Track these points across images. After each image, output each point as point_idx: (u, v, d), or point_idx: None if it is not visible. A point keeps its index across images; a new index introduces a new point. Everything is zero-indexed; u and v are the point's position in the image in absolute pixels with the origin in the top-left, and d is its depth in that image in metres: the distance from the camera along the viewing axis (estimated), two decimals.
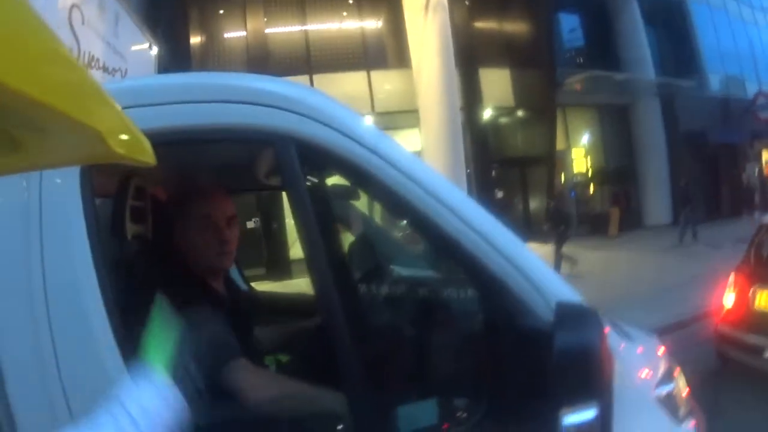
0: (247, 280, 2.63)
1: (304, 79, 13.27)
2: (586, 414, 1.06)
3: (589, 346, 1.09)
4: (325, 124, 1.34)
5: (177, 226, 1.67)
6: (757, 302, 4.90)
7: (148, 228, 1.70)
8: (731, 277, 5.25)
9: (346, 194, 2.02)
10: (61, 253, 1.21)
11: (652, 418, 1.49)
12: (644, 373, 1.59)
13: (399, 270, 2.17)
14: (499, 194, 14.31)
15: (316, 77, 13.26)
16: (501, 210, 14.15)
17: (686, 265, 10.13)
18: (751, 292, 4.97)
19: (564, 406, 1.06)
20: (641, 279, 9.56)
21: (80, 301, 1.20)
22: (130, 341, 1.17)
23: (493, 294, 1.37)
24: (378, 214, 2.31)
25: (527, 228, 14.14)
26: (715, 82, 19.57)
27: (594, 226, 15.34)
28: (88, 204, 1.24)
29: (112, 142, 0.57)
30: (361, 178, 1.38)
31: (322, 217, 1.46)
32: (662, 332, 6.60)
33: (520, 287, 1.32)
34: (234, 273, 2.49)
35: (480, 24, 14.58)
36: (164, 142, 1.27)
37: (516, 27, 14.47)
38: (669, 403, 1.54)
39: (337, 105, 1.44)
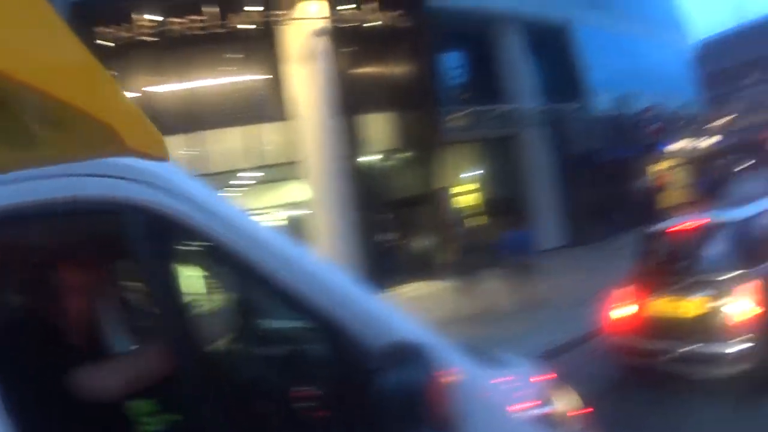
0: None
1: (184, 137, 13.26)
2: None
3: (410, 384, 1.09)
4: (160, 188, 1.43)
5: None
6: (651, 310, 5.10)
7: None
8: (622, 290, 5.41)
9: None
10: None
11: None
12: (516, 399, 1.61)
13: (270, 323, 2.20)
14: (389, 236, 14.65)
15: (199, 134, 13.24)
16: (391, 251, 14.55)
17: (583, 283, 10.20)
18: (644, 301, 5.16)
19: None
20: (537, 302, 9.76)
21: None
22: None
23: (332, 339, 1.42)
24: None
25: (422, 266, 14.53)
26: (603, 102, 20.53)
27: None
28: None
29: (126, 137, 0.58)
30: (192, 235, 1.48)
31: (172, 279, 1.52)
32: (562, 350, 6.90)
33: (360, 331, 1.38)
34: None
35: (361, 70, 14.91)
36: (8, 219, 1.38)
37: (398, 70, 14.87)
38: (546, 424, 1.59)
39: (175, 170, 1.54)
